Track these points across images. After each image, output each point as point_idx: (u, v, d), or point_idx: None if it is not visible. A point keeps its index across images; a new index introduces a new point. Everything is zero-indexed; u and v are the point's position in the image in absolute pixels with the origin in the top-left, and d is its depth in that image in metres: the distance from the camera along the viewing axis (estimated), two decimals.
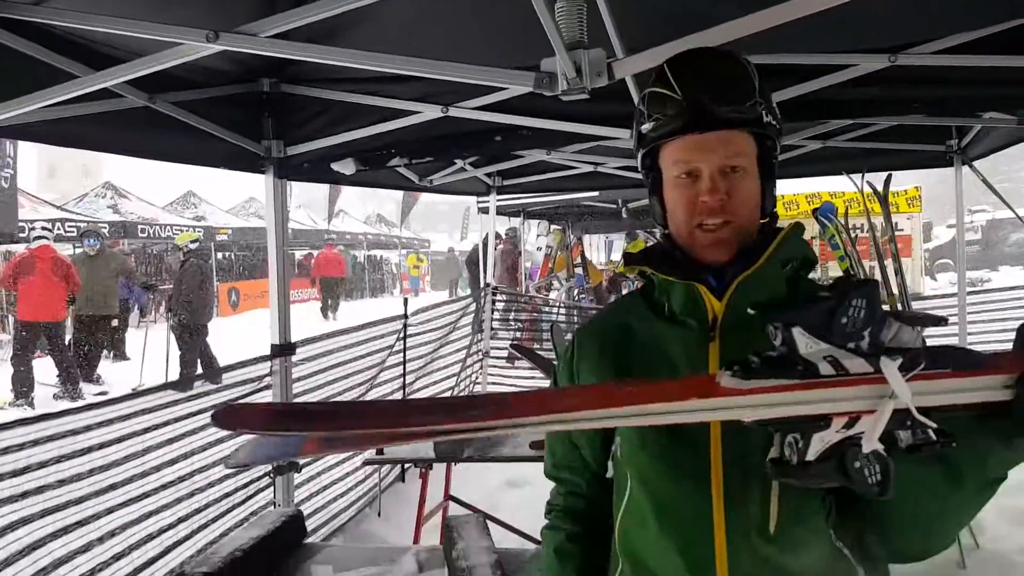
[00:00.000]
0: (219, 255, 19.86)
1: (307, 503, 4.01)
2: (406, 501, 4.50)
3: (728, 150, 1.08)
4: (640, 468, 1.14)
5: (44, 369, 8.97)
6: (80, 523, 2.78)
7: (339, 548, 3.15)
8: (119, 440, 2.99)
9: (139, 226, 15.65)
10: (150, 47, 2.00)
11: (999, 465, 0.95)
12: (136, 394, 3.29)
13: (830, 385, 0.82)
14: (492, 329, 6.80)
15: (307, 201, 28.02)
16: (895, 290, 4.25)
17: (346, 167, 3.05)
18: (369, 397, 4.95)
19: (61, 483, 2.72)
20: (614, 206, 9.58)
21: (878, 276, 4.36)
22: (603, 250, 18.32)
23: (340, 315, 18.04)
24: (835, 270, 6.44)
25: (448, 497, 4.05)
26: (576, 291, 11.39)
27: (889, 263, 4.31)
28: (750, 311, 1.06)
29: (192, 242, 9.61)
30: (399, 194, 23.98)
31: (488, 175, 5.14)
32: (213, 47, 1.87)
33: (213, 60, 2.41)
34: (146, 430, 3.12)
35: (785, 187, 9.70)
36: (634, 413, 0.83)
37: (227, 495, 3.55)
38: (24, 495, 2.59)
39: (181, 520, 3.26)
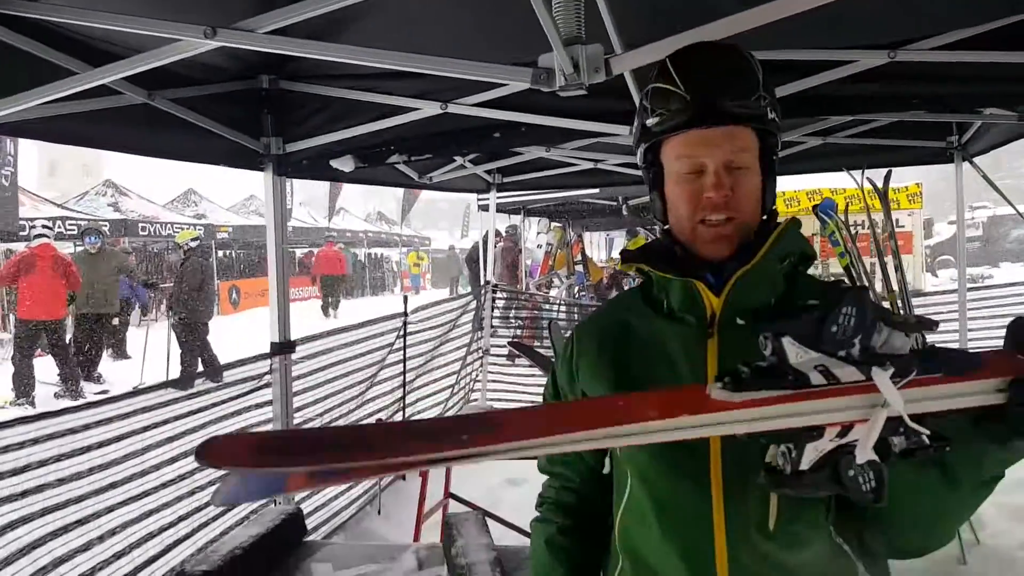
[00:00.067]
0: (220, 253, 19.90)
1: (307, 501, 3.99)
2: (406, 499, 4.52)
3: (733, 145, 1.07)
4: (640, 466, 1.14)
5: (45, 368, 8.96)
6: (80, 522, 2.78)
7: (339, 546, 3.15)
8: (119, 439, 2.99)
9: (140, 224, 15.68)
10: (149, 43, 2.00)
11: (995, 465, 0.95)
12: (135, 392, 3.28)
13: (822, 395, 0.81)
14: (492, 327, 6.79)
15: (308, 199, 28.04)
16: (895, 286, 4.24)
17: (345, 164, 3.04)
18: (369, 395, 4.96)
19: (61, 482, 2.71)
20: (614, 203, 9.55)
21: (878, 272, 4.36)
22: (604, 247, 18.31)
23: (341, 313, 18.04)
24: (835, 267, 6.42)
25: (448, 495, 4.06)
26: (576, 288, 11.40)
27: (889, 259, 4.30)
28: (739, 321, 1.06)
29: (193, 240, 9.60)
30: (400, 192, 24.00)
31: (488, 172, 5.14)
32: (211, 43, 1.87)
33: (212, 56, 2.41)
34: (146, 428, 3.12)
35: (786, 183, 9.70)
36: (625, 433, 0.82)
37: None
38: (24, 494, 2.58)
39: (181, 518, 3.25)
